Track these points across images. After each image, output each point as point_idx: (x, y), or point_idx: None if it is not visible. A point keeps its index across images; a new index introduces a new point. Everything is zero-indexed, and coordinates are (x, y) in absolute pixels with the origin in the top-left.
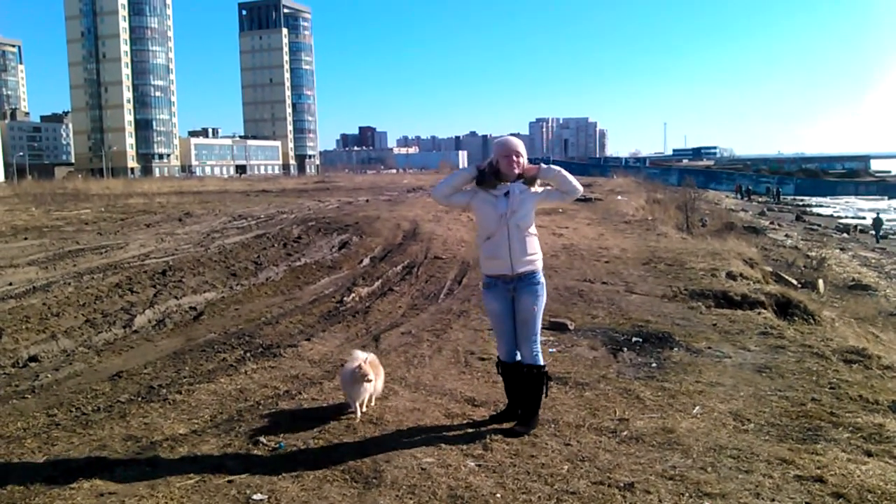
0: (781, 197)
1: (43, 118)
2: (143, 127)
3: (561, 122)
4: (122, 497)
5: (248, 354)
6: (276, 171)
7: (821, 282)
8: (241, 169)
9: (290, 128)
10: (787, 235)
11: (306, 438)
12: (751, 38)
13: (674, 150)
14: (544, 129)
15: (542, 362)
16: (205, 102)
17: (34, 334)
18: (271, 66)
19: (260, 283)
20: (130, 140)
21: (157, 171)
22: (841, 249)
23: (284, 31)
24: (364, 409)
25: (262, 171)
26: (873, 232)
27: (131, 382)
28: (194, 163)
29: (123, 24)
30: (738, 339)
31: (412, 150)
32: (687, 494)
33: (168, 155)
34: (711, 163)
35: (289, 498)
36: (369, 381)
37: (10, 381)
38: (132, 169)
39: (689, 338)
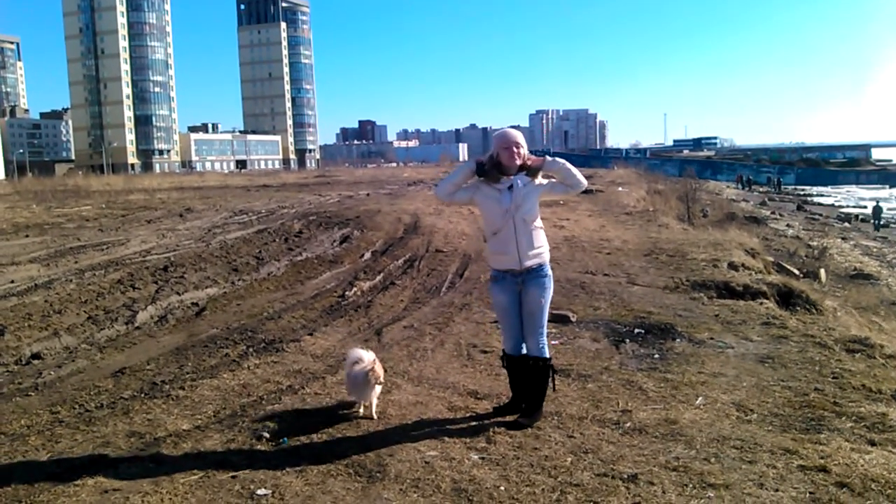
0: (782, 187)
1: (42, 115)
2: (143, 123)
3: (561, 113)
4: (126, 493)
5: (251, 350)
6: (277, 166)
7: (822, 271)
8: (241, 164)
9: (289, 122)
10: (788, 225)
11: (309, 433)
12: (751, 28)
13: (674, 141)
14: (544, 121)
15: (548, 355)
16: (204, 98)
17: (36, 332)
18: (270, 61)
19: (261, 278)
20: (130, 136)
21: (157, 167)
22: (842, 239)
23: (283, 25)
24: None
25: (263, 166)
26: (873, 220)
27: (134, 379)
28: (194, 158)
29: (122, 20)
30: (740, 329)
31: (412, 143)
32: (691, 485)
33: (168, 151)
34: (712, 153)
35: (293, 492)
36: (381, 383)
37: (13, 378)
38: (132, 165)
39: (691, 329)
